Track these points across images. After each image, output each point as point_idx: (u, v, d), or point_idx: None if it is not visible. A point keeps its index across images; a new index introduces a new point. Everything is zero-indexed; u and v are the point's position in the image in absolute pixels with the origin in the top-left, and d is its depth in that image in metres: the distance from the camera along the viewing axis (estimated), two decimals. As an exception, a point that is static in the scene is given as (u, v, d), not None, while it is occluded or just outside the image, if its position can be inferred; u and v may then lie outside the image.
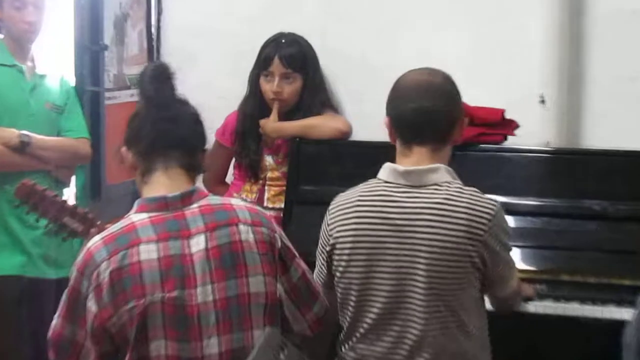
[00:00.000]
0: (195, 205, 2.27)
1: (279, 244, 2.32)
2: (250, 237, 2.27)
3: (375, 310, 2.42)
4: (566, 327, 2.84)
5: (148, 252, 2.20)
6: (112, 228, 2.26)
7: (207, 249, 2.24)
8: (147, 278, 2.19)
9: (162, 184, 2.28)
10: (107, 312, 2.17)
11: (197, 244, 2.24)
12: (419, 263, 2.34)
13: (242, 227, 2.26)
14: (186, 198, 2.26)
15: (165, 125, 2.29)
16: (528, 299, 2.85)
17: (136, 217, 2.25)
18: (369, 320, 2.44)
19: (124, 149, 2.34)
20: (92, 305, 2.18)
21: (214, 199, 2.35)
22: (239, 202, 2.43)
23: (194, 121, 2.37)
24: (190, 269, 2.22)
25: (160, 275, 2.20)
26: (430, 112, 2.41)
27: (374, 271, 2.40)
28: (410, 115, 2.40)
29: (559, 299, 2.87)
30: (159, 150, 2.28)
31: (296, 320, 2.42)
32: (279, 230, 2.38)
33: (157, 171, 2.28)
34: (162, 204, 2.25)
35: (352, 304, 2.47)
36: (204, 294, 2.21)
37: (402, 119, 2.44)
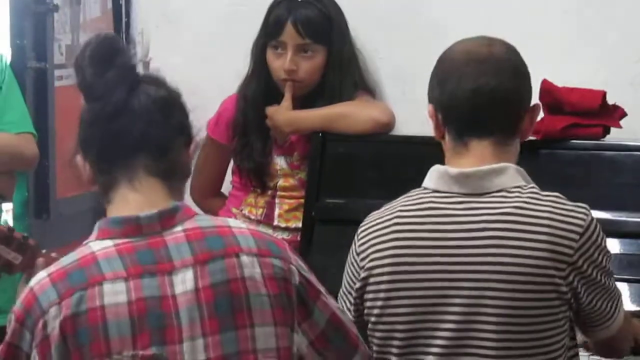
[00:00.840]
0: (179, 229, 1.82)
1: (297, 279, 1.83)
2: (256, 272, 1.80)
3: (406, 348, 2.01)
4: None
5: (114, 295, 1.77)
6: (64, 260, 1.74)
7: (196, 290, 1.80)
8: (113, 330, 1.75)
9: (131, 200, 1.82)
10: None
11: (183, 282, 1.78)
12: (486, 298, 1.88)
13: (244, 258, 1.77)
14: (166, 218, 1.80)
15: (117, 122, 1.75)
16: None
17: (97, 245, 1.80)
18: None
19: (79, 157, 1.77)
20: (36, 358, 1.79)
21: (204, 220, 1.84)
22: (239, 224, 1.86)
23: (163, 106, 1.79)
24: (174, 318, 1.77)
25: (132, 326, 1.75)
26: (493, 94, 1.91)
27: (423, 312, 1.91)
28: (464, 100, 1.91)
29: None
30: (116, 157, 1.78)
31: None
32: (295, 259, 1.82)
33: (120, 184, 1.80)
34: (132, 226, 1.80)
35: (393, 359, 1.98)
36: (192, 352, 1.76)
37: (453, 105, 1.93)
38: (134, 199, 1.78)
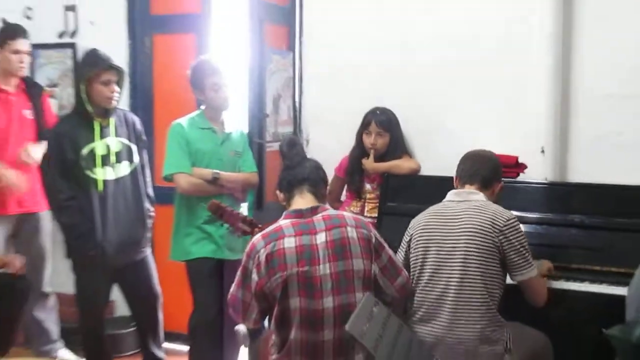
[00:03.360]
0: (319, 215, 2.80)
1: (374, 240, 2.81)
2: (354, 235, 2.77)
3: (427, 272, 3.01)
4: (561, 296, 3.27)
5: (289, 243, 2.72)
6: (268, 229, 2.81)
7: (326, 242, 2.73)
8: (288, 259, 2.70)
9: (299, 203, 2.85)
10: (263, 280, 2.70)
11: (320, 238, 2.74)
12: (466, 244, 2.92)
13: (348, 228, 2.79)
14: (313, 210, 2.81)
15: (295, 172, 2.94)
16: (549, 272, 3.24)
17: (283, 222, 2.80)
18: (424, 277, 3.01)
19: (277, 192, 3.01)
20: (255, 277, 2.73)
21: (332, 211, 2.87)
22: (347, 214, 2.95)
23: (316, 167, 2.98)
24: (316, 254, 2.72)
25: (296, 257, 2.70)
26: (482, 172, 3.12)
27: (439, 252, 3.00)
28: (467, 171, 3.16)
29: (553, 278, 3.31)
30: (294, 185, 2.90)
31: (387, 287, 2.86)
32: (374, 231, 2.86)
33: (295, 196, 2.88)
34: (299, 214, 2.82)
35: (417, 273, 3.03)
36: (323, 269, 2.70)
37: (461, 173, 3.16)
38: (300, 202, 2.83)
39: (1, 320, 3.73)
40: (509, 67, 3.94)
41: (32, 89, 4.61)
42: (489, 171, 3.13)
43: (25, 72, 4.57)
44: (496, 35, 3.95)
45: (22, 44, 4.48)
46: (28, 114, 4.50)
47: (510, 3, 3.93)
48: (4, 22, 4.83)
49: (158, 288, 4.24)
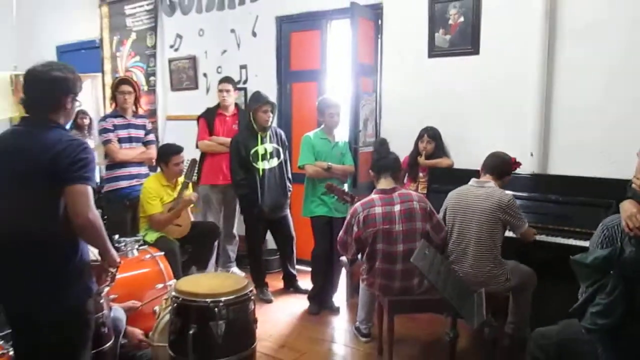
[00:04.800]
0: (396, 193, 2.94)
1: (428, 209, 2.95)
2: (417, 206, 2.92)
3: (455, 232, 2.99)
4: (543, 246, 3.19)
5: (377, 210, 2.88)
6: (364, 199, 2.93)
7: (400, 210, 2.88)
8: (375, 220, 2.86)
9: (384, 184, 2.99)
10: (360, 232, 2.87)
11: (397, 207, 2.89)
12: (479, 216, 2.89)
13: (414, 202, 2.92)
14: (393, 190, 2.95)
15: (384, 162, 3.05)
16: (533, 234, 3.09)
17: (374, 196, 2.94)
18: (454, 235, 3.00)
19: (370, 171, 3.11)
20: (355, 228, 2.90)
21: (404, 190, 3.01)
22: (413, 192, 3.10)
23: (395, 160, 3.07)
24: (394, 217, 2.88)
25: (382, 219, 2.86)
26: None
27: (463, 219, 2.96)
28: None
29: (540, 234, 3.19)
30: (382, 170, 3.01)
31: (435, 238, 2.97)
32: (429, 203, 2.99)
33: (382, 178, 3.01)
34: (383, 192, 2.95)
35: (449, 231, 3.03)
36: (398, 227, 2.87)
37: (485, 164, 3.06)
38: (384, 183, 2.95)
39: (204, 250, 4.12)
40: (511, 98, 3.83)
41: (239, 112, 4.70)
42: (502, 167, 3.07)
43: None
44: (504, 78, 3.85)
45: (225, 86, 4.62)
46: (235, 127, 4.58)
47: (511, 60, 3.82)
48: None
49: (293, 233, 4.34)
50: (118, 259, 2.04)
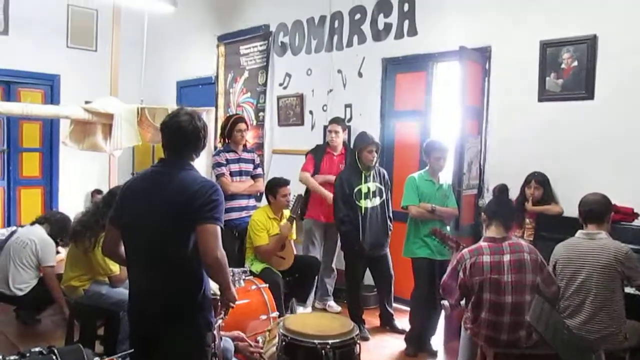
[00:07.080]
0: (506, 242, 2.80)
1: (539, 260, 2.80)
2: (528, 257, 2.77)
3: (572, 287, 2.83)
4: None
5: (486, 258, 2.75)
6: (473, 246, 2.79)
7: (510, 260, 2.75)
8: (483, 269, 2.72)
9: (494, 232, 2.85)
10: (466, 279, 2.76)
11: (506, 257, 2.74)
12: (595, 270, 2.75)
13: (525, 254, 2.77)
14: (503, 239, 2.81)
15: (500, 209, 2.89)
16: None
17: (482, 243, 2.81)
18: (570, 290, 2.84)
19: (483, 214, 2.93)
20: (461, 274, 2.79)
21: (514, 239, 2.85)
22: (524, 242, 2.93)
23: (510, 210, 2.94)
24: (502, 267, 2.73)
25: (490, 268, 2.72)
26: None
27: (572, 275, 2.84)
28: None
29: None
30: (496, 217, 2.86)
31: (545, 291, 2.82)
32: (540, 255, 2.82)
33: (492, 226, 2.86)
34: (493, 240, 2.81)
35: (564, 286, 2.87)
36: (507, 278, 2.72)
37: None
38: (494, 231, 2.80)
39: (304, 283, 4.15)
40: (626, 145, 3.65)
41: (347, 152, 4.75)
42: (606, 211, 2.89)
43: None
44: (619, 124, 3.67)
45: (334, 127, 4.74)
46: (342, 166, 4.67)
47: (631, 107, 3.62)
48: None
49: (392, 271, 4.28)
50: (236, 295, 2.12)
